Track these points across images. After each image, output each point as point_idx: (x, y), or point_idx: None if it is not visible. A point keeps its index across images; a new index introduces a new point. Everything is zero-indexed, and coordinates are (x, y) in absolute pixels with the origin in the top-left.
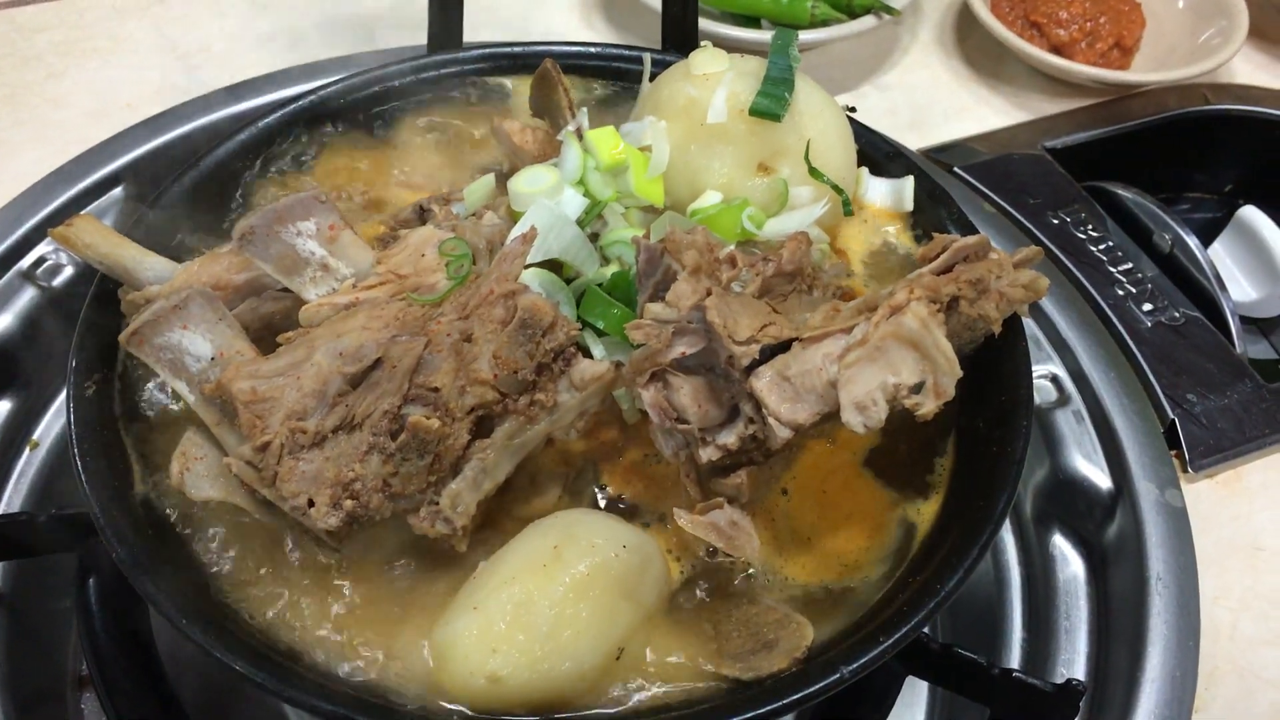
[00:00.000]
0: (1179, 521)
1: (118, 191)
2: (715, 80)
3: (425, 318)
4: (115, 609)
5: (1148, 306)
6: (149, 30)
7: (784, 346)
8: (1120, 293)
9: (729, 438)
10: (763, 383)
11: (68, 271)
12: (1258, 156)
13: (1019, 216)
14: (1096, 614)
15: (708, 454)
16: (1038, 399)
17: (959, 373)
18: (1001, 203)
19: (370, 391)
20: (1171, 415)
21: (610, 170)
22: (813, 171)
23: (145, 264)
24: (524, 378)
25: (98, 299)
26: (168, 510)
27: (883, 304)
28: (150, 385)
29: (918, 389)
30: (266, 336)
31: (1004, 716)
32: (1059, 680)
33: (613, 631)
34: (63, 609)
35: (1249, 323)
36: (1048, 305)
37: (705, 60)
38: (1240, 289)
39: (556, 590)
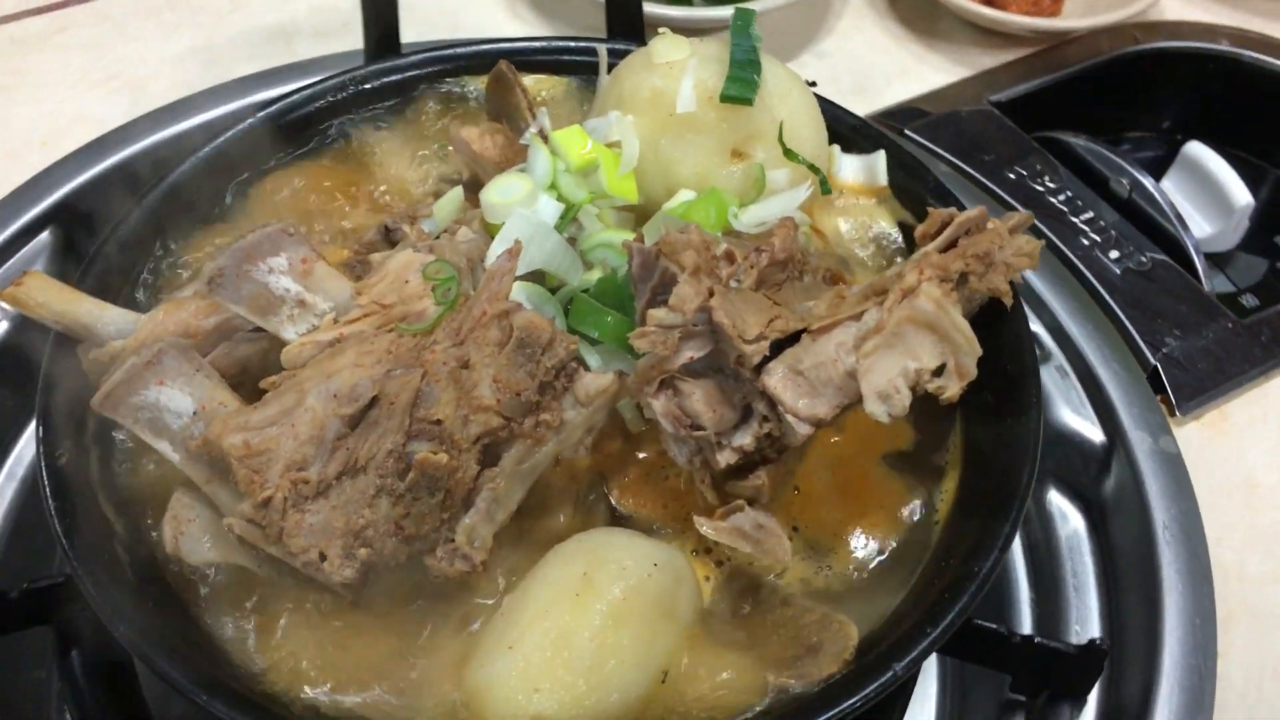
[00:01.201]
0: (1176, 468)
1: (45, 236)
2: (679, 68)
3: (418, 347)
4: (103, 680)
5: (1114, 254)
6: (53, 61)
7: (790, 339)
8: (1085, 243)
9: (744, 439)
10: (775, 379)
11: (3, 327)
12: (1193, 91)
13: (976, 175)
14: (1103, 569)
15: (725, 458)
16: None
17: (979, 350)
18: (957, 162)
19: (370, 431)
20: (1153, 361)
21: (581, 171)
22: (788, 153)
23: (105, 318)
24: (527, 399)
25: (54, 360)
26: (164, 575)
27: (893, 288)
28: (126, 444)
29: (939, 372)
30: (245, 382)
31: (1025, 682)
32: (1076, 640)
33: (656, 655)
34: (36, 680)
35: (1205, 258)
36: None
37: (666, 48)
38: (1195, 225)
39: (594, 619)
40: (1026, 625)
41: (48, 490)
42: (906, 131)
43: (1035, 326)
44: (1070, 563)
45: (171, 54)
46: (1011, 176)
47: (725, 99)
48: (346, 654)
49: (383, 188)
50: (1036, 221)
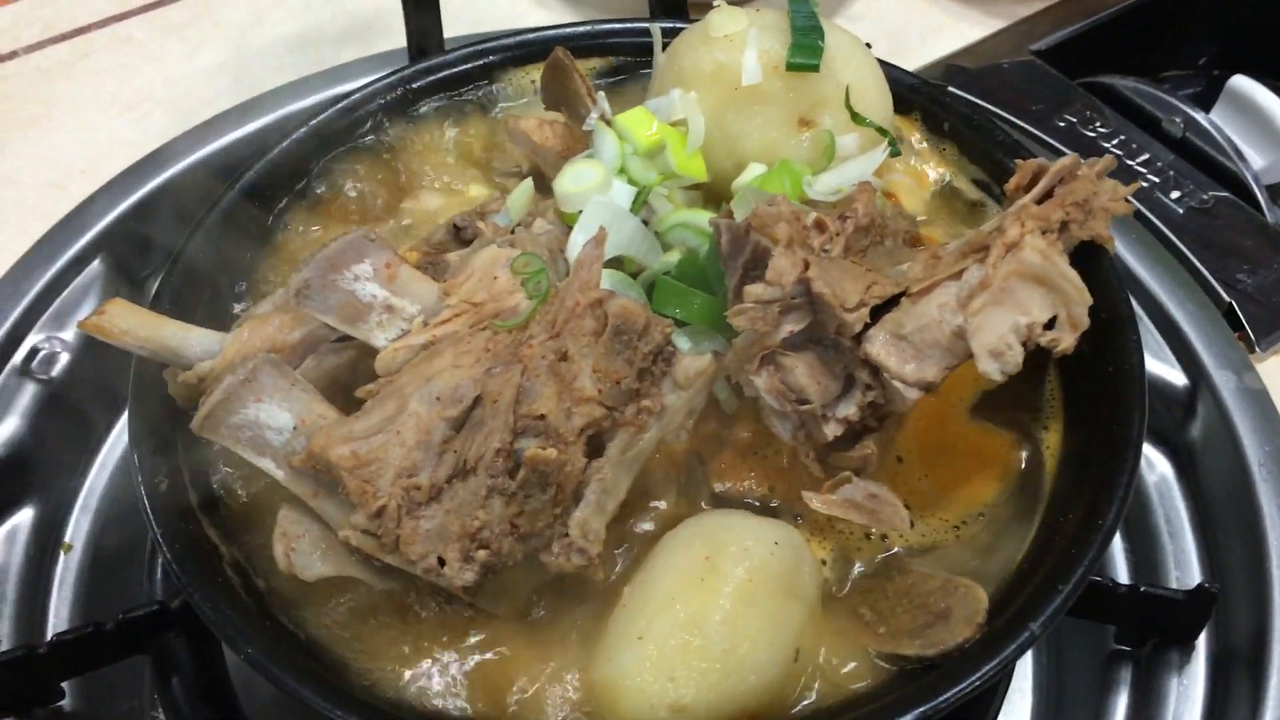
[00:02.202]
0: (1264, 404)
1: (96, 265)
2: (740, 40)
3: (515, 343)
4: (205, 705)
5: (1175, 194)
6: (82, 88)
7: (886, 305)
8: (1145, 185)
9: (849, 409)
10: (878, 346)
11: (64, 359)
12: (1229, 25)
13: (1026, 126)
14: (1196, 513)
15: (830, 430)
16: None
17: (1090, 299)
18: (1004, 115)
19: (476, 432)
20: (1227, 299)
21: (649, 153)
22: (856, 117)
23: (191, 340)
24: (627, 387)
25: (139, 388)
26: (276, 593)
27: (994, 243)
28: (222, 465)
29: (1051, 324)
30: (335, 393)
31: (1131, 632)
32: (1179, 586)
33: (787, 634)
34: (130, 709)
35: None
36: None
37: (725, 21)
38: (1249, 158)
39: (723, 603)
40: (1124, 575)
41: (152, 519)
42: (950, 89)
43: None
44: (1162, 509)
45: (198, 71)
46: (1061, 125)
47: (792, 67)
48: (462, 660)
49: (437, 185)
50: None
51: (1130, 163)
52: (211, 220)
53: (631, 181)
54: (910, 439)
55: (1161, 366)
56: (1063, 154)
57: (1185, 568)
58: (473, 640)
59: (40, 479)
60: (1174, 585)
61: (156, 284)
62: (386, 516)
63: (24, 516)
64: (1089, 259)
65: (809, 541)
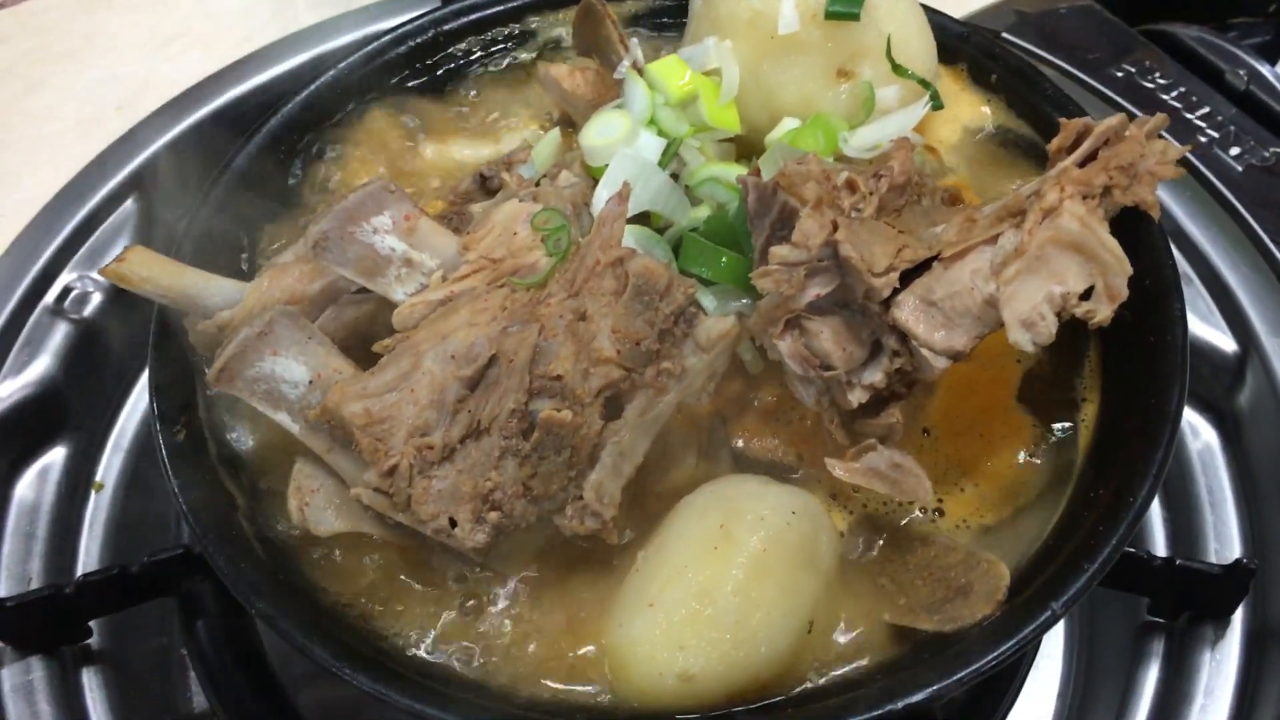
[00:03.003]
0: None
1: (129, 204)
2: None
3: (533, 301)
4: (230, 646)
5: (1235, 150)
6: (120, 21)
7: (918, 269)
8: (1203, 140)
9: (875, 375)
10: (906, 312)
11: (96, 299)
12: None
13: (1081, 75)
14: (1241, 484)
15: (855, 397)
16: None
17: (1129, 270)
18: (1059, 63)
19: (491, 392)
20: None
21: (680, 104)
22: (897, 69)
23: (211, 289)
24: (647, 348)
25: (160, 336)
26: (290, 546)
27: (1032, 208)
28: (241, 417)
29: (1087, 295)
30: (354, 345)
31: (1165, 605)
32: (1217, 559)
33: (801, 605)
34: (159, 647)
35: None
36: None
37: None
38: None
39: (736, 573)
40: (1161, 546)
41: (169, 469)
42: (1004, 35)
43: None
44: (1204, 479)
45: (236, 6)
46: (1119, 75)
47: (831, 15)
48: (474, 620)
49: (467, 130)
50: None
51: (1189, 116)
52: (233, 170)
53: (662, 133)
54: (939, 408)
55: (1211, 331)
56: (1118, 106)
57: (1225, 540)
58: (487, 601)
59: (72, 418)
60: (1213, 558)
61: (180, 229)
62: (398, 475)
63: (56, 455)
64: (1135, 220)
65: (831, 509)
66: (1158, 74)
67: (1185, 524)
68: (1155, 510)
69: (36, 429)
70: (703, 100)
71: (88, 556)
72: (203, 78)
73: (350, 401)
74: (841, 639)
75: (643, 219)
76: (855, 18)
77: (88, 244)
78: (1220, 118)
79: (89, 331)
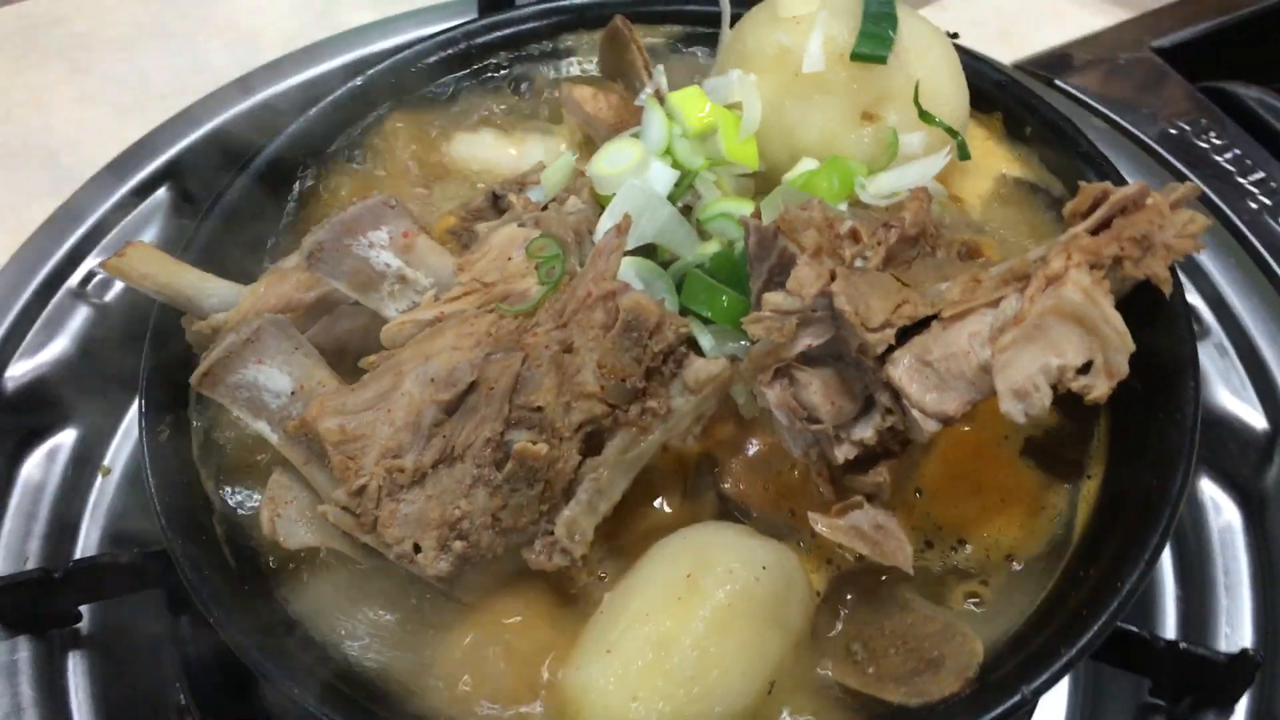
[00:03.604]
0: None
1: (161, 193)
2: (808, 23)
3: (519, 329)
4: (212, 645)
5: None
6: (172, 12)
7: (919, 325)
8: (1254, 206)
9: (865, 432)
10: (901, 370)
11: (119, 285)
12: None
13: (1133, 130)
14: (1259, 568)
15: (843, 452)
16: None
17: (1132, 346)
18: (1112, 115)
19: (468, 418)
20: None
21: (699, 135)
22: (924, 115)
23: (208, 290)
24: (633, 386)
25: (158, 333)
26: (260, 555)
27: (1036, 273)
28: (230, 420)
29: (1085, 369)
30: (345, 358)
31: (1167, 687)
32: (1225, 646)
33: (763, 665)
34: (153, 634)
35: None
36: None
37: (794, 1)
38: None
39: (697, 625)
40: (1171, 625)
41: (148, 467)
42: (1056, 82)
43: (1193, 298)
44: (1222, 559)
45: (286, 4)
46: (1173, 132)
47: (856, 57)
48: (438, 648)
49: (486, 154)
50: (1198, 182)
51: (1241, 180)
52: (247, 176)
53: (677, 164)
54: (935, 469)
55: (1242, 406)
56: (1167, 165)
57: (1238, 625)
58: (453, 628)
59: (86, 401)
60: (1223, 643)
61: (192, 230)
62: (366, 496)
63: (66, 437)
64: (1158, 292)
65: (811, 565)
66: (1213, 134)
67: (1198, 604)
68: (1168, 586)
69: (49, 410)
70: (722, 134)
71: (87, 540)
72: (245, 72)
73: (327, 417)
74: (802, 704)
75: (650, 251)
76: (882, 61)
77: (116, 230)
78: (1275, 184)
79: (109, 316)
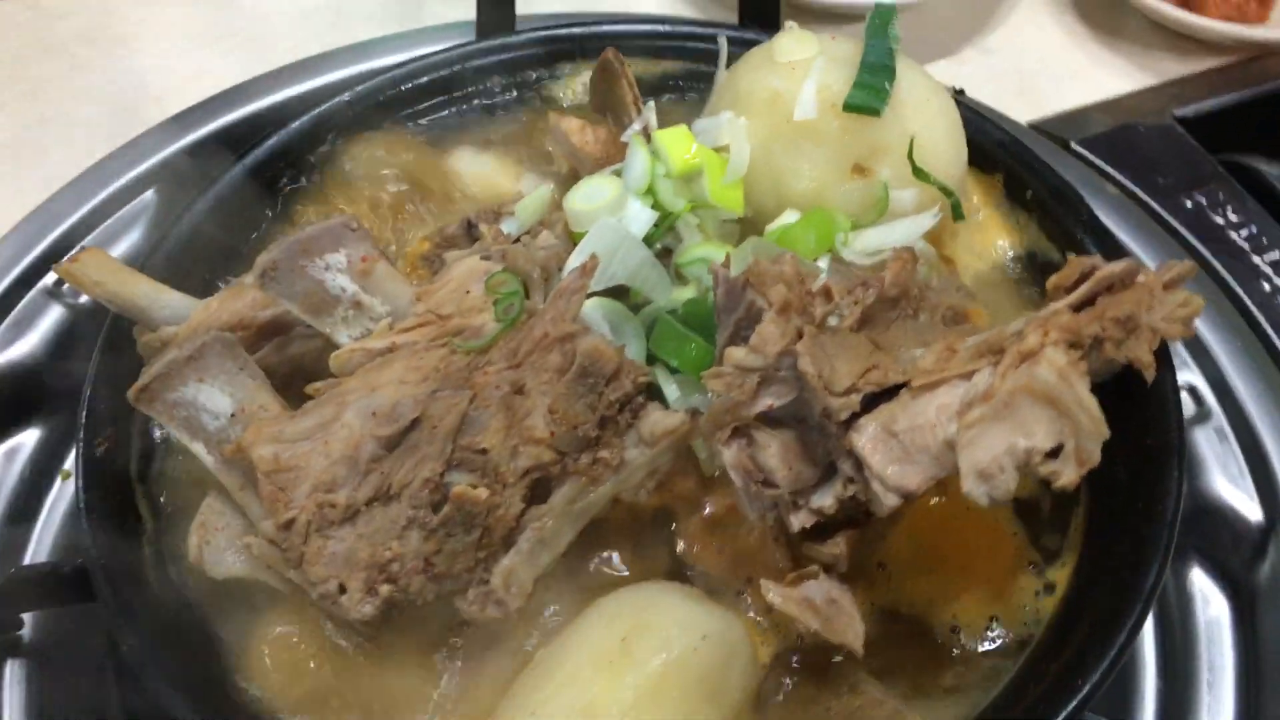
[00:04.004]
0: None
1: (149, 195)
2: (803, 69)
3: (470, 367)
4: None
5: None
6: (178, 13)
7: (890, 392)
8: (1267, 288)
9: (825, 499)
10: (865, 438)
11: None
12: None
13: (1147, 199)
14: (1245, 665)
15: (800, 519)
16: None
17: (1106, 434)
18: (1126, 183)
19: (409, 456)
20: None
21: (683, 176)
22: (918, 172)
23: (161, 301)
24: (585, 434)
25: (110, 342)
26: (188, 583)
27: (1010, 348)
28: (172, 440)
29: (1055, 453)
30: (296, 382)
31: None
32: None
33: None
34: (94, 648)
35: None
36: None
37: (791, 45)
38: None
39: (625, 694)
40: (1149, 716)
41: (81, 480)
42: (1072, 145)
43: (1195, 378)
44: (1208, 653)
45: (296, 10)
46: (1188, 204)
47: (849, 108)
48: (369, 694)
49: (471, 179)
50: (1210, 258)
51: (1256, 260)
52: (221, 187)
53: (658, 205)
54: (902, 542)
55: (1239, 496)
56: (1179, 238)
57: None
58: (370, 671)
59: (51, 402)
60: None
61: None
62: (294, 530)
63: (28, 437)
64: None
65: (762, 636)
66: (1231, 209)
67: (1179, 697)
68: (1149, 676)
69: (11, 409)
70: (707, 176)
71: (39, 545)
72: (247, 79)
73: (262, 443)
74: None
75: (620, 293)
76: (876, 114)
77: (97, 231)
78: None
79: (82, 319)
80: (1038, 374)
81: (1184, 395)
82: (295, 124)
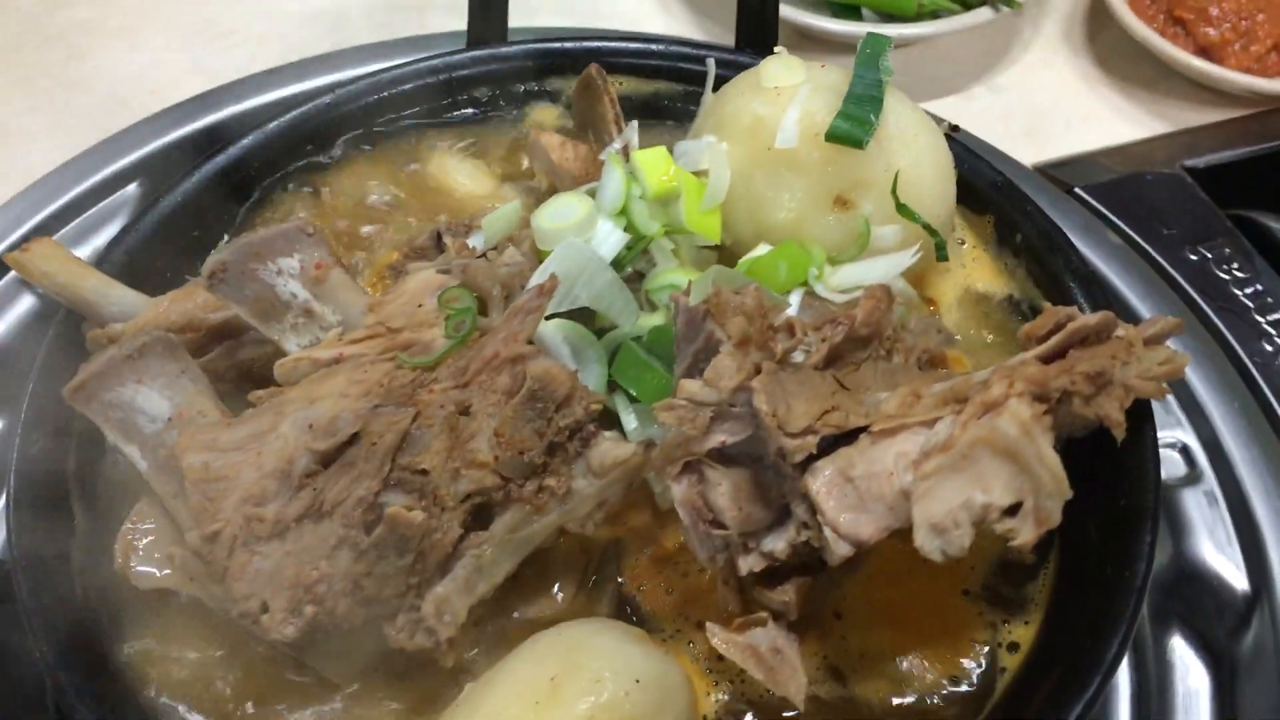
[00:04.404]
0: None
1: (132, 189)
2: (788, 95)
3: (416, 384)
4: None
5: None
6: (181, 8)
7: (850, 435)
8: (1268, 348)
9: (777, 544)
10: (820, 483)
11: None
12: None
13: (1150, 250)
14: None
15: (749, 563)
16: (1163, 472)
17: (1068, 493)
18: (1129, 232)
19: (344, 473)
20: None
21: (659, 199)
22: (901, 209)
23: (110, 296)
24: (532, 460)
25: (62, 335)
26: (109, 590)
27: (974, 397)
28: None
29: (1013, 511)
30: (245, 386)
31: None
32: None
33: None
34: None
35: None
36: None
37: (778, 70)
38: None
39: None
40: None
41: (12, 474)
42: (1076, 189)
43: (1188, 436)
44: None
45: (300, 11)
46: (1192, 258)
47: (832, 138)
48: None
49: (449, 189)
50: (1212, 314)
51: (1259, 319)
52: (190, 184)
53: (631, 227)
54: (861, 591)
55: (1224, 564)
56: (1180, 291)
57: None
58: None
59: (10, 394)
60: None
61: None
62: (219, 543)
63: None
64: (1130, 424)
65: (708, 683)
66: (1236, 265)
67: None
68: None
69: None
70: (684, 200)
71: None
72: (243, 76)
73: (194, 450)
74: None
75: (584, 315)
76: (859, 145)
77: (76, 222)
78: None
79: (52, 308)
80: (999, 426)
81: (1175, 455)
82: (272, 125)
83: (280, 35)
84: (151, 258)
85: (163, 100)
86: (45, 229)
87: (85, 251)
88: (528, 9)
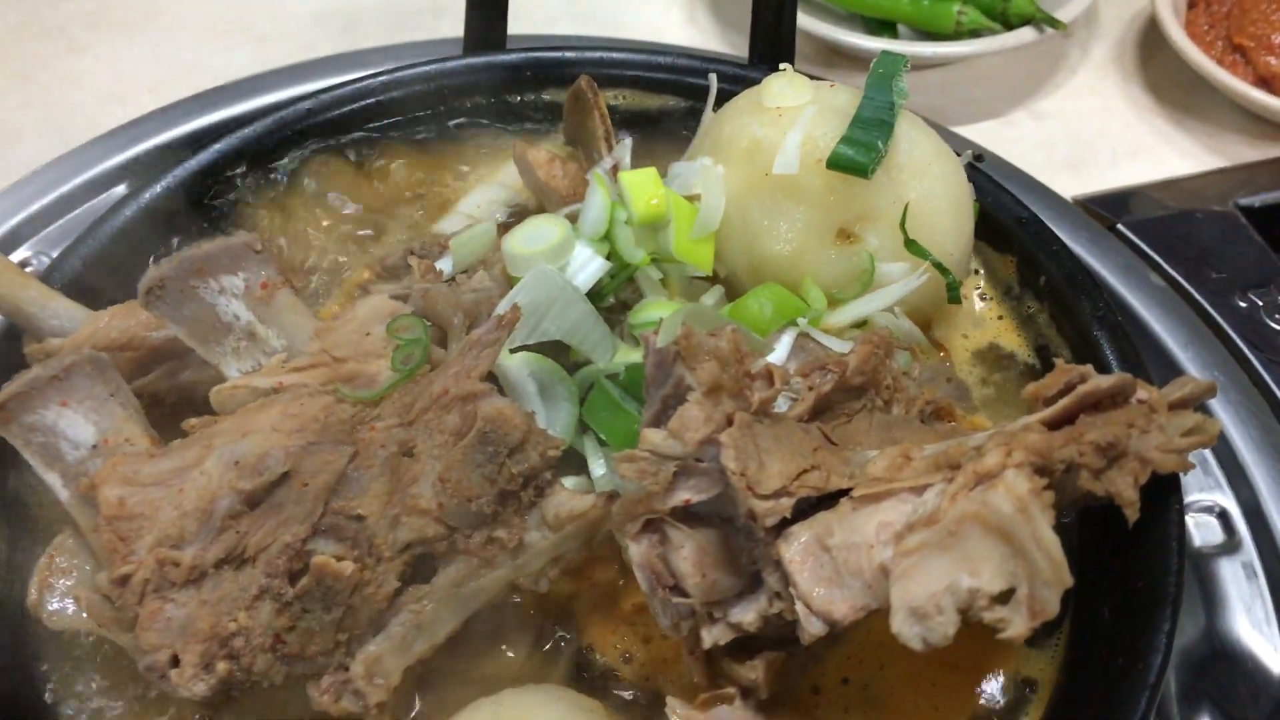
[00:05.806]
0: None
1: (120, 191)
2: (791, 117)
3: (356, 420)
4: None
5: None
6: (186, 4)
7: (832, 497)
8: None
9: (746, 615)
10: (794, 550)
11: (53, 280)
12: None
13: (1195, 294)
14: None
15: (714, 635)
16: (1198, 538)
17: (1068, 582)
18: (1175, 274)
19: (270, 515)
20: None
21: (647, 224)
22: (910, 244)
23: (50, 309)
24: (480, 509)
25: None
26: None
27: (967, 465)
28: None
29: (1004, 598)
30: (184, 412)
31: None
32: None
33: None
34: None
35: None
36: (1221, 416)
37: (782, 89)
38: None
39: None
40: None
41: None
42: (1118, 226)
43: (1227, 501)
44: None
45: (309, 13)
46: (1242, 305)
47: (834, 165)
48: None
49: (431, 203)
50: (1260, 367)
51: None
52: (158, 191)
53: (614, 254)
54: (842, 664)
55: (1260, 642)
56: (1224, 340)
57: None
58: None
59: None
60: None
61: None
62: (130, 587)
63: None
64: (1153, 496)
65: None
66: None
67: None
68: None
69: None
70: (674, 227)
71: None
72: (245, 76)
73: (112, 483)
74: None
75: (557, 349)
76: (864, 174)
77: (60, 221)
78: None
79: None
80: (991, 501)
81: (1212, 520)
82: (249, 130)
83: (289, 35)
84: (108, 270)
85: (161, 98)
86: (24, 230)
87: None
88: (547, 18)
